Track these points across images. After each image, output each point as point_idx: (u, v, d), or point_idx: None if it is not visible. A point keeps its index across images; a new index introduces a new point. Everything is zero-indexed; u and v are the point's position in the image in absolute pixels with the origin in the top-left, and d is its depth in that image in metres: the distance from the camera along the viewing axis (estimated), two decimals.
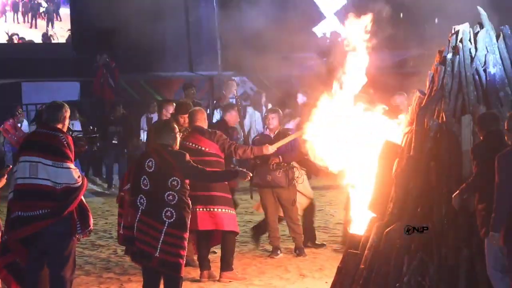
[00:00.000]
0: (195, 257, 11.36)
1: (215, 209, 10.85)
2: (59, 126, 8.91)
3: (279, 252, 12.39)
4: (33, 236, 8.70)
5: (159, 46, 23.51)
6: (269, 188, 12.40)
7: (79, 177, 8.79)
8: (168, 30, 23.83)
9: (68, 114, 9.07)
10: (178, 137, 9.12)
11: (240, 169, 10.16)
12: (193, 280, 10.97)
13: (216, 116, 20.21)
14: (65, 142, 8.79)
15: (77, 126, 19.96)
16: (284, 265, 11.70)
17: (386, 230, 9.21)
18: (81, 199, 8.85)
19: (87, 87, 23.55)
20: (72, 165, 8.76)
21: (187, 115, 11.79)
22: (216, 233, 11.08)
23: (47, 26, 26.12)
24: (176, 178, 8.70)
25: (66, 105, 9.17)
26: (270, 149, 11.25)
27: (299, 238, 12.51)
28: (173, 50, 24.03)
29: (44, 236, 8.66)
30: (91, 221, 8.98)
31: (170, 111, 13.29)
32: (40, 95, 21.74)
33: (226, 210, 10.91)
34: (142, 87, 24.26)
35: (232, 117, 12.75)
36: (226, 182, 10.91)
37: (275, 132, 12.54)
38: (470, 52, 9.46)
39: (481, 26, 9.56)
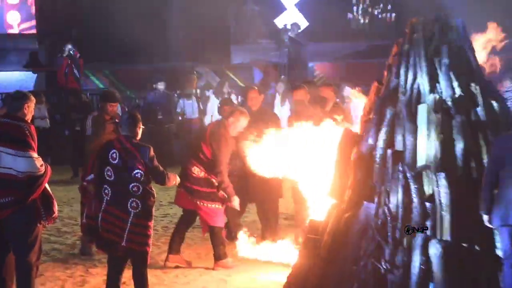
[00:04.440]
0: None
1: (198, 202, 10.86)
2: (21, 115, 8.86)
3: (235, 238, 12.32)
4: None
5: (123, 37, 23.39)
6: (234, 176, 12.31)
7: (41, 165, 8.77)
8: (132, 23, 23.75)
9: (32, 104, 9.01)
10: (141, 129, 9.06)
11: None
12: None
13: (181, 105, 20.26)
14: (27, 132, 8.76)
15: (44, 111, 19.90)
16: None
17: (345, 216, 9.29)
18: (45, 187, 8.83)
19: (53, 77, 23.38)
20: (34, 154, 8.73)
21: (115, 104, 11.79)
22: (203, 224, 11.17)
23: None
24: (140, 170, 8.66)
25: (30, 95, 9.12)
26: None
27: (236, 224, 12.49)
28: (136, 42, 23.92)
29: (8, 223, 8.67)
30: (56, 208, 8.97)
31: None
32: (5, 85, 21.57)
33: (210, 205, 10.89)
34: (107, 77, 24.16)
35: None
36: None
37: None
38: (425, 43, 9.54)
39: (436, 19, 9.65)
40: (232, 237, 12.27)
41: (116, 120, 11.64)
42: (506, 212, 8.04)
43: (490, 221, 8.24)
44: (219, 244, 11.02)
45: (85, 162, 11.60)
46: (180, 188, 10.84)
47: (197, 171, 10.95)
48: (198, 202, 10.90)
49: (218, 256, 10.96)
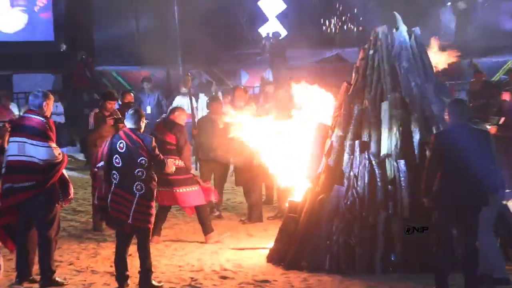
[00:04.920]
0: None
1: (177, 190, 10.80)
2: (42, 111, 8.86)
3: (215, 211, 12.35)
4: (23, 203, 8.72)
5: (128, 43, 23.34)
6: (208, 162, 12.37)
7: (59, 154, 8.78)
8: (136, 29, 23.70)
9: (50, 101, 9.01)
10: (144, 123, 9.03)
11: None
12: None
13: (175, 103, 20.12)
14: (47, 126, 8.75)
15: (60, 108, 19.83)
16: (235, 228, 11.75)
17: (319, 197, 9.33)
18: (62, 173, 8.84)
19: (69, 78, 23.31)
20: (53, 144, 8.73)
21: (113, 102, 11.73)
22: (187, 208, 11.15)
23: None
24: (144, 158, 8.65)
25: (49, 93, 9.12)
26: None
27: (218, 201, 12.30)
28: (139, 46, 23.83)
29: (31, 204, 8.69)
30: (71, 190, 8.99)
31: (127, 100, 13.20)
32: (28, 85, 21.46)
33: (188, 189, 10.85)
34: (114, 78, 24.06)
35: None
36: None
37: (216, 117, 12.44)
38: (388, 49, 9.57)
39: (397, 28, 9.67)
40: (218, 216, 12.32)
41: (115, 116, 11.55)
42: (442, 196, 7.97)
43: (429, 203, 8.13)
44: (206, 221, 11.01)
45: (89, 151, 11.56)
46: (159, 188, 10.36)
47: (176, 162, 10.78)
48: (179, 190, 10.82)
49: (206, 231, 10.94)
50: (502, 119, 9.96)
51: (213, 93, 19.56)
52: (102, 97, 12.27)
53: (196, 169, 13.03)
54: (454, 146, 7.85)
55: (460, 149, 7.83)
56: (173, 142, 10.83)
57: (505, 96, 10.56)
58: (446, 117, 8.24)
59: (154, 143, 8.73)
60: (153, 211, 8.77)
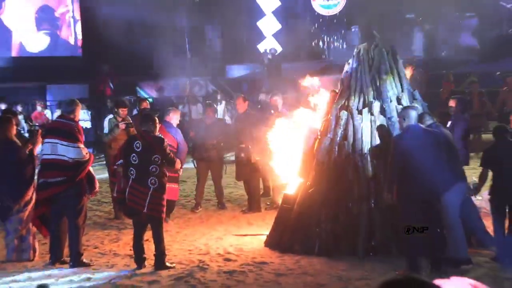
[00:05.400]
0: None
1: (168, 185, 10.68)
2: (72, 116, 8.86)
3: (199, 207, 12.19)
4: (55, 196, 8.76)
5: (145, 58, 23.27)
6: (204, 161, 12.24)
7: (86, 153, 8.82)
8: (153, 46, 23.57)
9: (79, 108, 9.03)
10: (157, 126, 8.99)
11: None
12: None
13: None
14: (76, 129, 8.80)
15: (87, 114, 19.79)
16: (237, 217, 11.72)
17: (309, 191, 9.30)
18: (89, 169, 8.86)
19: (94, 88, 23.31)
20: (81, 145, 8.75)
21: (125, 108, 11.60)
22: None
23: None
24: (157, 156, 8.62)
25: (78, 101, 9.16)
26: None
27: (221, 196, 12.34)
28: (155, 60, 23.73)
29: (63, 196, 8.73)
30: (97, 185, 9.04)
31: (142, 107, 13.17)
32: (60, 94, 21.49)
33: (172, 185, 10.42)
34: (133, 88, 24.02)
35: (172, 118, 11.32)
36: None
37: (211, 121, 12.44)
38: (369, 63, 9.54)
39: (376, 45, 9.64)
40: (196, 208, 12.13)
41: (126, 122, 11.35)
42: (409, 191, 7.93)
43: (392, 199, 8.05)
44: (171, 210, 10.91)
45: (104, 152, 11.50)
46: None
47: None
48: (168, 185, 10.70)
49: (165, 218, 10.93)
50: (449, 123, 10.17)
51: (220, 102, 19.55)
52: (115, 105, 12.15)
53: (195, 166, 12.93)
54: (409, 147, 7.85)
55: (414, 149, 7.83)
56: (174, 144, 10.75)
57: (452, 103, 10.63)
58: (399, 121, 8.23)
59: (165, 143, 8.71)
60: (165, 202, 8.74)
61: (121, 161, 8.71)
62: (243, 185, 12.42)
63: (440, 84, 19.58)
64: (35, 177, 9.04)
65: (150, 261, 8.68)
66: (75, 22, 25.75)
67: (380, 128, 9.03)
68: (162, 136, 8.94)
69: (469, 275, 7.57)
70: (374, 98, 9.39)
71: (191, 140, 12.72)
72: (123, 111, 11.62)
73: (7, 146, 8.99)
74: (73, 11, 25.65)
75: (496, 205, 8.51)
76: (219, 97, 20.01)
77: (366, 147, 9.17)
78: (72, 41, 25.81)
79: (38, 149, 9.21)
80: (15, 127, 9.31)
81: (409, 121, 8.05)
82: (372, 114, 9.26)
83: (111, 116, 11.76)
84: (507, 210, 8.47)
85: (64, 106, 9.27)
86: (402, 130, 8.23)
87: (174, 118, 11.17)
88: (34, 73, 23.08)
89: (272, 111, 12.07)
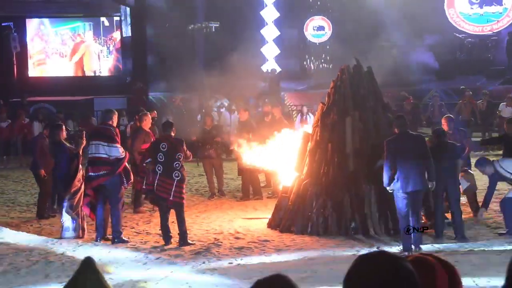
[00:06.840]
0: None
1: None
2: (111, 122, 8.93)
3: (214, 196, 12.00)
4: (99, 186, 8.79)
5: (171, 76, 23.20)
6: (207, 159, 12.17)
7: (123, 152, 8.86)
8: (179, 64, 23.45)
9: (116, 116, 9.12)
10: (175, 131, 8.98)
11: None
12: None
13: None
14: (114, 132, 8.87)
15: (125, 120, 19.78)
16: (244, 204, 11.68)
17: (303, 182, 9.28)
18: (125, 165, 8.87)
19: (130, 100, 23.35)
20: (118, 145, 8.80)
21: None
22: None
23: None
24: (180, 154, 8.63)
25: (115, 110, 9.27)
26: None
27: (221, 186, 12.18)
28: (177, 78, 23.65)
29: (105, 186, 8.76)
30: (132, 177, 9.04)
31: (153, 115, 12.90)
32: (104, 105, 21.52)
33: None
34: (162, 100, 23.96)
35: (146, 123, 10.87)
36: None
37: (210, 127, 12.37)
38: (350, 81, 9.51)
39: (355, 66, 9.58)
40: (212, 196, 11.97)
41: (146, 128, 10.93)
42: (403, 185, 7.86)
43: (391, 190, 7.92)
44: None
45: (130, 154, 11.32)
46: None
47: None
48: None
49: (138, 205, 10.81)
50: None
51: (233, 111, 19.45)
52: (138, 116, 11.43)
53: (198, 164, 12.78)
54: (401, 147, 7.82)
55: (405, 149, 7.79)
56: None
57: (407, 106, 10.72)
58: (395, 128, 8.15)
59: (184, 145, 8.76)
60: (185, 191, 8.76)
61: (149, 159, 8.74)
62: (241, 179, 12.19)
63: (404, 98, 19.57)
64: (80, 171, 9.09)
65: (175, 239, 8.67)
66: (116, 48, 25.92)
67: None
68: (181, 138, 8.95)
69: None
70: (354, 109, 9.37)
71: (194, 143, 12.35)
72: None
73: (58, 147, 9.35)
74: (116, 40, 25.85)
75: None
76: (232, 107, 19.97)
77: (349, 147, 9.16)
78: (115, 64, 25.98)
79: (81, 148, 9.21)
80: (64, 132, 9.69)
81: (399, 127, 7.96)
82: (353, 122, 9.25)
83: (132, 123, 11.63)
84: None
85: (104, 114, 9.32)
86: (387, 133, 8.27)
87: (146, 122, 10.78)
88: (84, 89, 23.52)
89: (266, 118, 12.17)
